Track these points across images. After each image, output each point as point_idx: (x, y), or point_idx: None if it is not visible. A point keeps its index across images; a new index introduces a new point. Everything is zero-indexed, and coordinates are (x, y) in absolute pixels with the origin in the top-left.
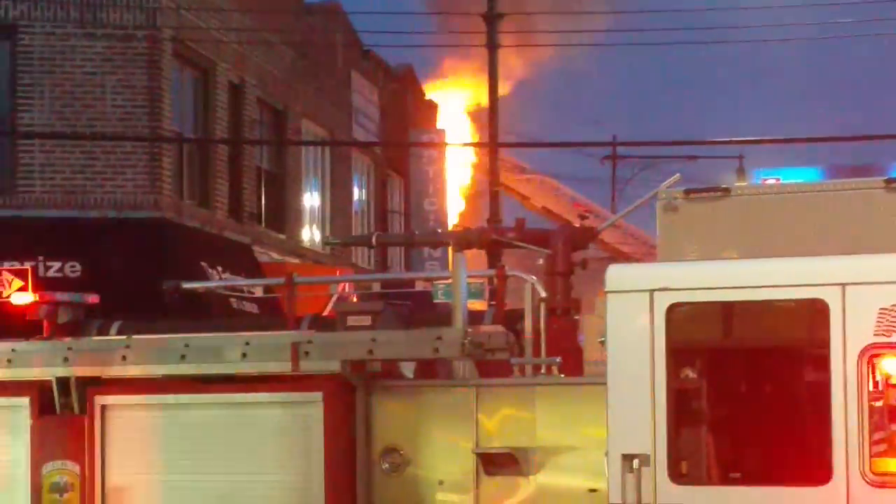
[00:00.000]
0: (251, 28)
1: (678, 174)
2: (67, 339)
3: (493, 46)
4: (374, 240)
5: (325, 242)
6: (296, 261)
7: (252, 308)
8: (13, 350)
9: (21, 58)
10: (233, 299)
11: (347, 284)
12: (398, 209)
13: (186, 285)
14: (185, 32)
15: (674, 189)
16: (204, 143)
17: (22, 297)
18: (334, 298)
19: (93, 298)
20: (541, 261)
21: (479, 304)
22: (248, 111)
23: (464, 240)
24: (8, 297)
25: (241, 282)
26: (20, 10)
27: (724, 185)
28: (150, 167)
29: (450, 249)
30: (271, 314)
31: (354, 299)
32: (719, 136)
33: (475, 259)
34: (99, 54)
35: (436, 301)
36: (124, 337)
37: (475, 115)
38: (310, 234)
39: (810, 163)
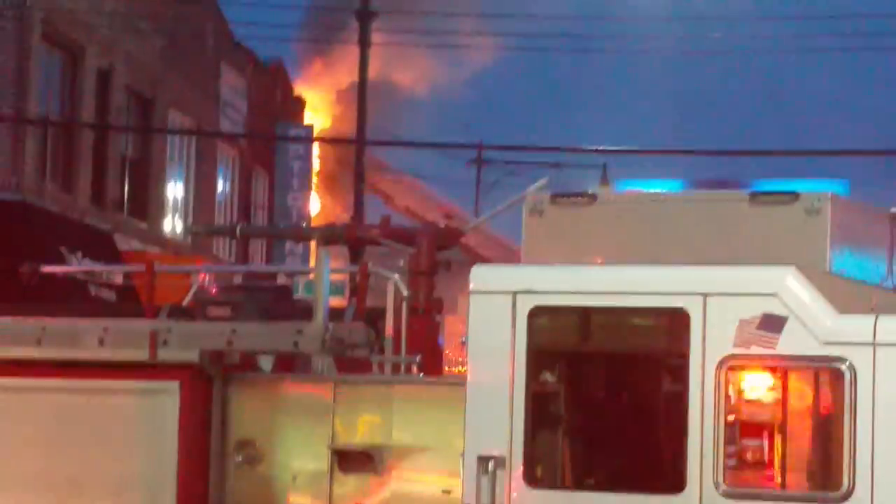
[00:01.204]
0: (122, 13)
1: (545, 179)
2: None
3: (364, 44)
4: (238, 231)
5: (188, 230)
6: (157, 250)
7: (110, 296)
8: None
9: None
10: (91, 286)
11: (207, 276)
12: (262, 203)
13: (45, 269)
14: (55, 14)
15: (540, 193)
16: (69, 127)
17: None
18: (194, 289)
19: None
20: (401, 263)
21: (339, 301)
22: (116, 98)
23: (328, 235)
24: None
25: (100, 268)
26: None
27: (590, 192)
28: (14, 149)
29: (312, 245)
30: (130, 302)
31: (213, 291)
32: (584, 145)
33: (337, 255)
34: None
35: (296, 296)
36: None
37: (342, 112)
38: (172, 224)
39: (672, 175)
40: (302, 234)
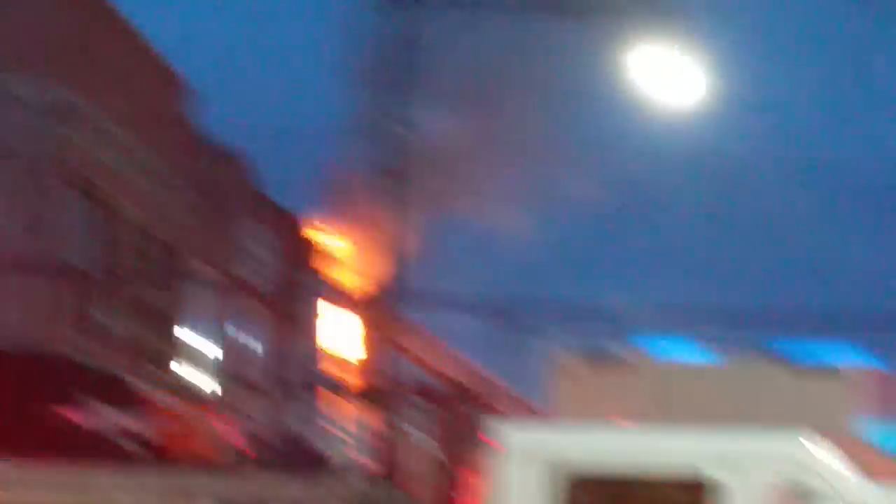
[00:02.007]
0: (153, 167)
1: (574, 338)
2: None
3: (397, 204)
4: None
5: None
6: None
7: None
8: None
9: None
10: None
11: None
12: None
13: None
14: (91, 168)
15: (574, 354)
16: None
17: None
18: None
19: None
20: None
21: None
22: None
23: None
24: None
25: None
26: None
27: (621, 356)
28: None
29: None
30: None
31: None
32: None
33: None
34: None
35: None
36: None
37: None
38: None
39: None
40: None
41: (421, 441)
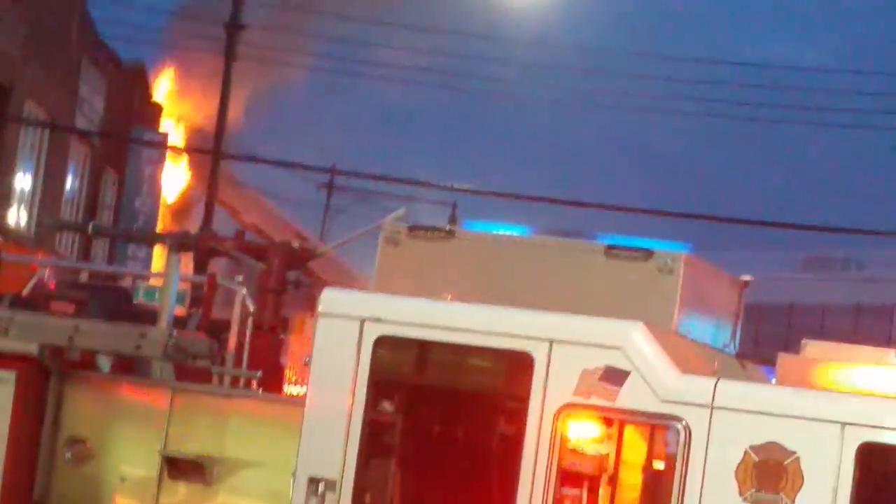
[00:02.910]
0: None
1: (403, 209)
2: None
3: (230, 57)
4: (90, 228)
5: (40, 222)
6: None
7: None
8: None
9: None
10: None
11: (48, 270)
12: (110, 204)
13: None
14: None
15: (397, 224)
16: None
17: None
18: (32, 282)
19: None
20: (240, 278)
21: (178, 310)
22: None
23: (182, 242)
24: None
25: None
26: None
27: (448, 227)
28: None
29: (155, 252)
30: None
31: (52, 286)
32: (435, 182)
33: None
34: None
35: (135, 300)
36: None
37: (197, 123)
38: (16, 214)
39: (516, 221)
40: (154, 238)
41: (237, 294)
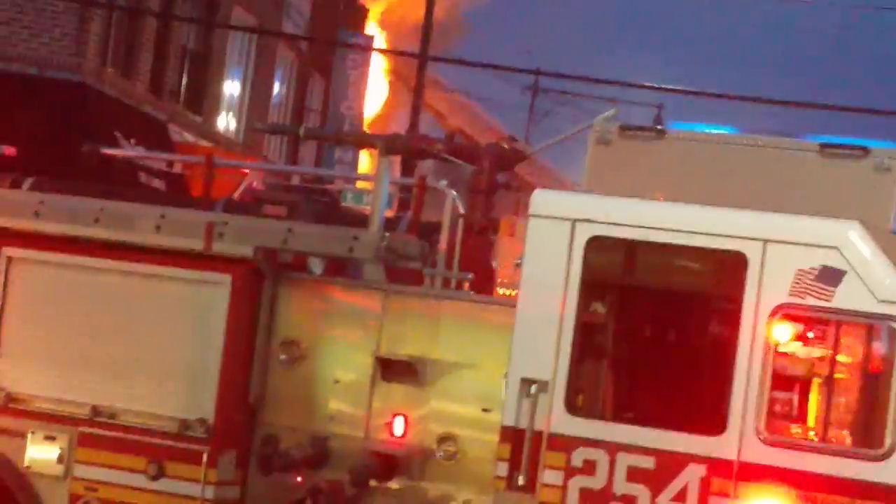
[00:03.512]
0: None
1: (615, 109)
2: None
3: None
4: (301, 132)
5: (251, 127)
6: (209, 144)
7: (160, 185)
8: None
9: None
10: (141, 174)
11: (256, 175)
12: (316, 108)
13: (105, 151)
14: None
15: (609, 124)
16: (134, 13)
17: None
18: (243, 186)
19: (9, 150)
20: (444, 182)
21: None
22: None
23: (392, 145)
24: None
25: (160, 156)
26: None
27: (660, 127)
28: (78, 30)
29: (361, 155)
30: (182, 193)
31: (261, 190)
32: (640, 82)
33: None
34: None
35: (344, 204)
36: (39, 193)
37: (401, 25)
38: (225, 120)
39: (726, 122)
40: (365, 141)
41: (447, 196)
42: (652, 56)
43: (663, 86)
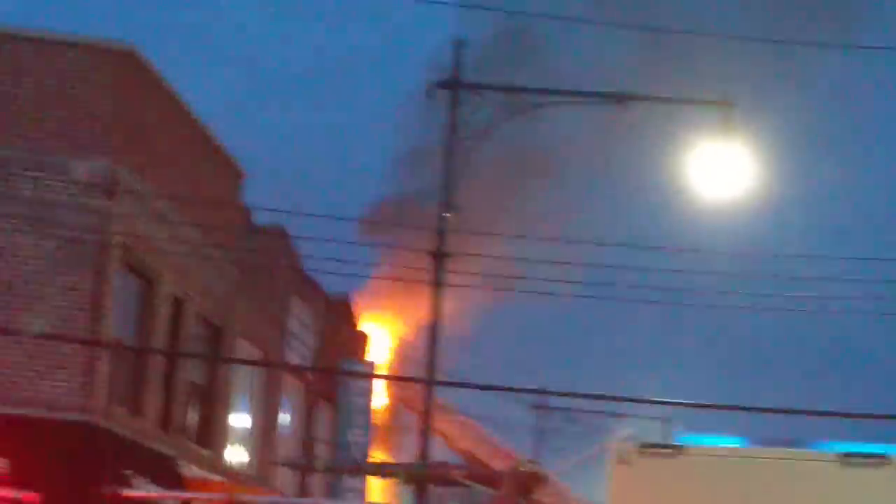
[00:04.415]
0: (198, 243)
1: (631, 429)
2: None
3: (437, 284)
4: (321, 465)
5: (281, 463)
6: (218, 477)
7: None
8: None
9: None
10: None
11: None
12: (323, 437)
13: (126, 494)
14: (134, 241)
15: (627, 442)
16: (141, 352)
17: None
18: None
19: (30, 497)
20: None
21: None
22: (188, 325)
23: (413, 473)
24: None
25: (181, 495)
26: None
27: (677, 443)
28: (86, 371)
29: (369, 483)
30: None
31: None
32: (644, 395)
33: (397, 494)
34: (48, 254)
35: None
36: None
37: (401, 349)
38: (235, 453)
39: (730, 432)
40: (384, 471)
41: None
42: (653, 366)
43: (670, 400)
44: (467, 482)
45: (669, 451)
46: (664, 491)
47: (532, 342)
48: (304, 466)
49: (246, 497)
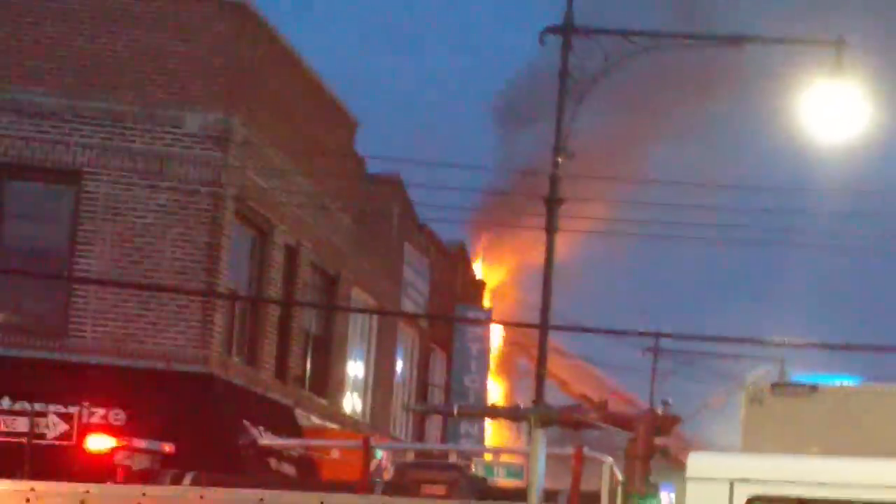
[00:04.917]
0: (311, 192)
1: (765, 369)
2: (142, 486)
3: (551, 230)
4: (455, 409)
5: (407, 408)
6: (334, 425)
7: (290, 470)
8: (87, 492)
9: (85, 204)
10: (272, 459)
11: (385, 455)
12: (439, 383)
13: (262, 443)
14: (248, 192)
15: (760, 383)
16: (257, 302)
17: (100, 442)
18: (374, 466)
19: (169, 448)
20: (586, 449)
21: (515, 483)
22: (302, 274)
23: (545, 417)
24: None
25: (313, 443)
26: (87, 157)
27: (811, 382)
28: (202, 322)
29: (486, 426)
30: (315, 477)
31: (390, 470)
32: (759, 335)
33: (516, 438)
34: (162, 206)
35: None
36: (199, 487)
37: (520, 295)
38: (351, 401)
39: (846, 371)
40: (518, 415)
41: (604, 464)
42: (766, 305)
43: (787, 341)
44: (603, 425)
45: (803, 389)
46: (799, 430)
47: (646, 286)
48: (435, 410)
49: (381, 443)
